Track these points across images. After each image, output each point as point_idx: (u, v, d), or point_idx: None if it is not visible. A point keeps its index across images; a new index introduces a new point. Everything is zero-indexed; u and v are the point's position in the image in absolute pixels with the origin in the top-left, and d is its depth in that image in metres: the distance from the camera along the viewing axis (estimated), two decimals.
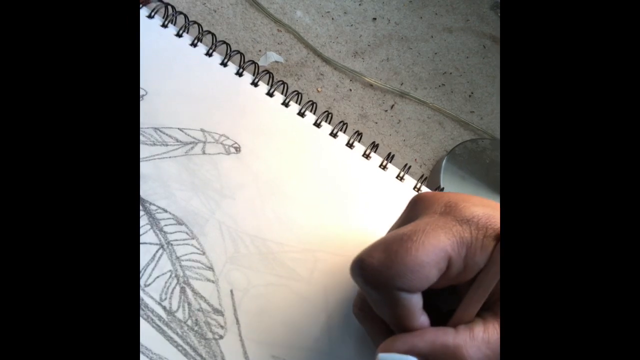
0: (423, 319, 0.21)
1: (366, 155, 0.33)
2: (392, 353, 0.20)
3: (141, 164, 0.30)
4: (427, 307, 0.22)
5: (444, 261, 0.20)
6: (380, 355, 0.21)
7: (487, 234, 0.21)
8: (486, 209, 0.21)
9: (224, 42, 0.36)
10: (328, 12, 0.61)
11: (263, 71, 0.36)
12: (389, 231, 0.26)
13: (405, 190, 0.33)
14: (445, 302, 0.24)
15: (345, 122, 0.35)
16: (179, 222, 0.29)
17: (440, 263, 0.20)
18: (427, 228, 0.21)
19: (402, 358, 0.20)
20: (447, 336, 0.20)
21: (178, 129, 0.32)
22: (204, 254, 0.28)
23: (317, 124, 0.34)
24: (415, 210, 0.23)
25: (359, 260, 0.21)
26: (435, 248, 0.20)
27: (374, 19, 0.62)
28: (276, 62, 0.57)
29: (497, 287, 0.21)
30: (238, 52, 0.36)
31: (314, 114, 0.35)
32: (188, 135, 0.32)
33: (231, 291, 0.27)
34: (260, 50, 0.56)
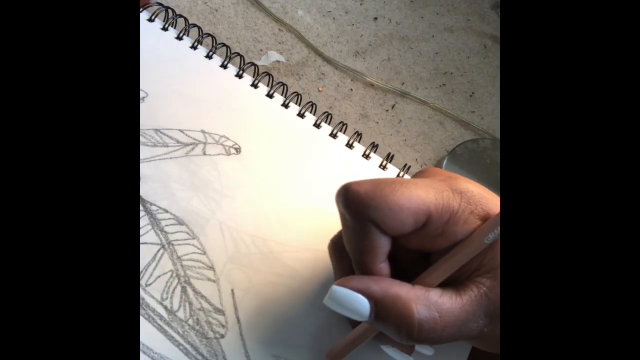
0: (384, 266, 0.22)
1: (366, 156, 0.33)
2: (346, 289, 0.21)
3: (142, 165, 0.30)
4: (395, 269, 0.22)
5: (423, 215, 0.21)
6: (334, 287, 0.21)
7: (474, 210, 0.21)
8: (483, 191, 0.22)
9: (224, 45, 0.36)
10: (329, 11, 0.61)
11: (263, 73, 0.36)
12: None
13: None
14: (414, 269, 0.24)
15: (345, 122, 0.35)
16: (180, 222, 0.29)
17: (418, 215, 0.21)
18: (420, 182, 0.21)
19: (353, 296, 0.21)
20: (402, 288, 0.21)
21: (178, 130, 0.32)
22: (204, 253, 0.28)
23: (317, 125, 0.34)
24: (418, 176, 0.24)
25: (346, 185, 0.22)
26: (419, 199, 0.21)
27: (375, 18, 0.62)
28: (277, 61, 0.57)
29: (466, 267, 0.21)
30: (238, 54, 0.36)
31: (314, 114, 0.35)
32: (188, 136, 0.32)
33: (232, 290, 0.27)
34: (261, 50, 0.56)
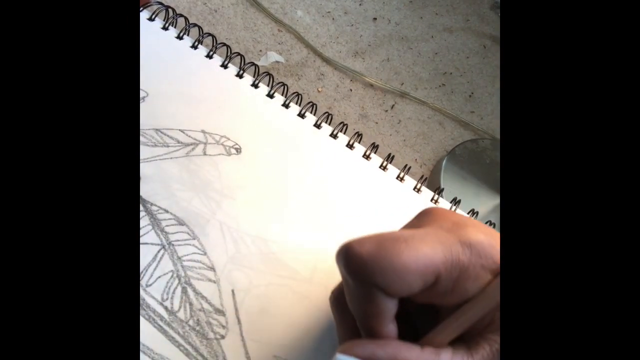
0: (391, 327, 0.21)
1: (366, 156, 0.33)
2: (351, 357, 0.20)
3: (142, 164, 0.30)
4: (401, 320, 0.21)
5: (432, 275, 0.19)
6: (338, 356, 0.20)
7: (485, 264, 0.20)
8: (493, 239, 0.20)
9: (224, 44, 0.36)
10: (329, 12, 0.61)
11: (263, 73, 0.36)
12: None
13: (406, 191, 0.33)
14: (423, 320, 0.23)
15: (345, 122, 0.35)
16: (180, 223, 0.29)
17: (427, 275, 0.19)
18: (426, 237, 0.20)
19: None
20: (410, 352, 0.20)
21: (179, 130, 0.32)
22: (205, 254, 0.28)
23: (318, 125, 0.34)
24: (422, 220, 0.23)
25: (347, 246, 0.20)
26: (427, 259, 0.19)
27: (375, 19, 0.62)
28: (277, 62, 0.57)
29: (478, 322, 0.20)
30: (238, 54, 0.36)
31: (314, 115, 0.35)
32: (189, 136, 0.32)
33: (232, 291, 0.27)
34: (260, 50, 0.56)
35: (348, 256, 0.20)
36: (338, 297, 0.23)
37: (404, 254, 0.19)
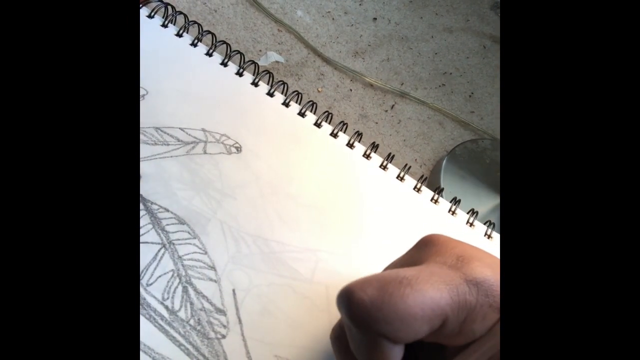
0: None
1: (366, 156, 0.34)
2: None
3: (142, 163, 0.30)
4: (408, 354, 0.21)
5: (439, 319, 0.19)
6: None
7: (493, 303, 0.19)
8: (499, 274, 0.20)
9: (224, 42, 0.36)
10: (328, 12, 0.61)
11: (263, 71, 0.36)
12: (390, 266, 0.25)
13: (406, 191, 0.33)
14: (428, 355, 0.22)
15: (345, 122, 0.35)
16: (181, 222, 0.29)
17: (433, 320, 0.18)
18: (431, 279, 0.19)
19: None
20: None
21: (179, 128, 0.32)
22: (205, 253, 0.28)
23: (318, 124, 0.34)
24: (423, 252, 0.22)
25: (348, 292, 0.19)
26: (433, 303, 0.18)
27: (375, 19, 0.62)
28: (277, 62, 0.57)
29: None
30: (238, 52, 0.36)
31: (314, 114, 0.35)
32: (189, 134, 0.32)
33: (233, 291, 0.27)
34: (260, 50, 0.56)
35: (350, 303, 0.19)
36: (340, 339, 0.22)
37: (410, 299, 0.18)
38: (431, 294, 0.18)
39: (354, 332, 0.20)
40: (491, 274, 0.19)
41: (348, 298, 0.19)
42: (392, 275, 0.19)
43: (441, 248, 0.21)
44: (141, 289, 0.27)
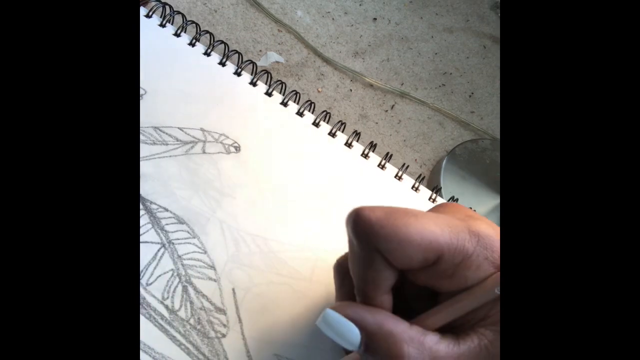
0: (386, 298, 0.21)
1: (365, 155, 0.34)
2: (340, 315, 0.20)
3: (142, 163, 0.30)
4: (399, 303, 0.21)
5: (434, 253, 0.20)
6: (328, 310, 0.21)
7: (490, 257, 0.20)
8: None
9: (222, 42, 0.36)
10: (328, 12, 0.61)
11: (261, 71, 0.36)
12: None
13: (404, 190, 0.33)
14: (420, 306, 0.23)
15: (344, 121, 0.35)
16: (180, 221, 0.29)
17: (429, 252, 0.20)
18: (437, 219, 0.20)
19: (346, 324, 0.20)
20: (397, 326, 0.20)
21: (178, 128, 0.32)
22: (205, 252, 0.28)
23: (316, 124, 0.34)
24: (438, 210, 0.23)
25: (359, 209, 0.21)
26: (432, 236, 0.19)
27: (375, 19, 0.62)
28: (277, 62, 0.57)
29: (471, 314, 0.20)
30: (236, 51, 0.36)
31: (313, 113, 0.35)
32: (188, 134, 0.32)
33: (233, 290, 0.27)
34: (260, 51, 0.56)
35: (357, 218, 0.20)
36: (341, 264, 0.24)
37: (411, 226, 0.19)
38: (432, 228, 0.20)
39: (354, 248, 0.21)
40: (494, 233, 0.20)
41: (357, 214, 0.20)
42: (402, 208, 0.21)
43: (456, 208, 0.23)
44: (141, 289, 0.27)
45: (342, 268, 0.24)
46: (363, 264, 0.21)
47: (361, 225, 0.20)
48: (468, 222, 0.21)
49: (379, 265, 0.20)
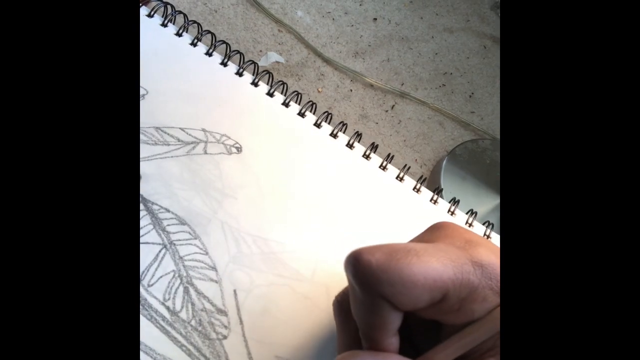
0: (393, 341, 0.20)
1: (366, 156, 0.34)
2: None
3: (143, 163, 0.30)
4: (402, 336, 0.21)
5: (440, 292, 0.19)
6: None
7: (495, 287, 0.20)
8: None
9: (224, 42, 0.36)
10: (329, 12, 0.61)
11: (263, 71, 0.36)
12: None
13: (405, 191, 0.33)
14: (424, 338, 0.23)
15: (345, 122, 0.35)
16: (182, 222, 0.29)
17: (434, 292, 0.19)
18: (438, 254, 0.19)
19: None
20: None
21: (179, 128, 0.32)
22: (206, 253, 0.28)
23: (318, 125, 0.34)
24: (434, 234, 0.22)
25: (357, 253, 0.20)
26: (437, 274, 0.19)
27: (375, 19, 0.62)
28: (277, 62, 0.57)
29: (481, 347, 0.20)
30: (238, 52, 0.36)
31: (314, 114, 0.35)
32: (189, 135, 0.32)
33: (234, 291, 0.27)
34: (261, 51, 0.56)
35: (357, 264, 0.20)
36: (342, 303, 0.23)
37: (414, 266, 0.19)
38: (436, 265, 0.19)
39: (357, 294, 0.20)
40: (496, 260, 0.20)
41: (356, 259, 0.20)
42: (401, 245, 0.20)
43: (451, 232, 0.22)
44: (142, 290, 0.27)
45: (343, 307, 0.23)
46: (367, 309, 0.20)
47: (362, 271, 0.19)
48: (469, 252, 0.20)
49: (384, 311, 0.20)
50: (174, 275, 0.27)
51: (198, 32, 0.36)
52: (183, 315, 0.26)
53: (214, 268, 0.28)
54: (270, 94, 0.35)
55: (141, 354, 0.25)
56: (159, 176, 0.30)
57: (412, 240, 0.24)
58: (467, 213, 0.33)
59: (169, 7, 0.36)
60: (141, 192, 0.29)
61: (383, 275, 0.19)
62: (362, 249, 0.20)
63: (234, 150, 0.32)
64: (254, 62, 0.36)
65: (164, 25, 0.36)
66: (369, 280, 0.19)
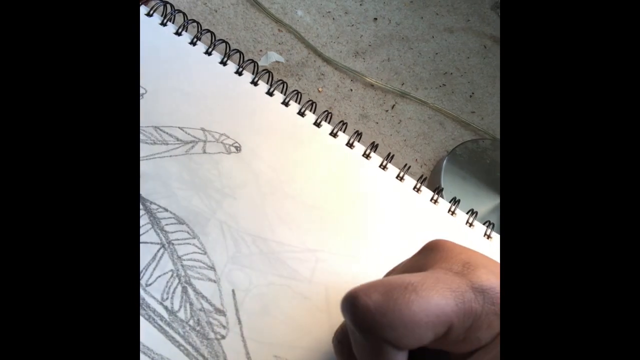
0: None
1: (366, 155, 0.33)
2: None
3: (142, 162, 0.30)
4: (414, 356, 0.20)
5: (444, 326, 0.18)
6: None
7: (498, 311, 0.19)
8: None
9: (223, 41, 0.36)
10: (329, 12, 0.61)
11: (263, 70, 0.36)
12: (392, 271, 0.24)
13: (405, 191, 0.33)
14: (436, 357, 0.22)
15: (345, 122, 0.35)
16: (180, 222, 0.29)
17: (438, 327, 0.18)
18: (437, 285, 0.19)
19: None
20: None
21: (178, 127, 0.32)
22: (205, 253, 0.28)
23: (317, 124, 0.34)
24: (429, 257, 0.22)
25: (353, 296, 0.19)
26: (439, 310, 0.18)
27: (375, 19, 0.62)
28: (277, 62, 0.57)
29: None
30: (237, 51, 0.36)
31: (314, 113, 0.35)
32: (188, 134, 0.32)
33: (233, 291, 0.27)
34: (261, 50, 0.56)
35: (355, 308, 0.19)
36: (342, 341, 0.22)
37: (415, 305, 0.18)
38: (436, 300, 0.18)
39: (357, 337, 0.20)
40: (497, 282, 0.19)
41: (352, 303, 0.19)
42: (397, 280, 0.19)
43: (447, 254, 0.21)
44: (140, 289, 0.26)
45: (343, 346, 0.22)
46: (370, 353, 0.19)
47: (361, 316, 0.19)
48: (468, 277, 0.19)
49: (388, 354, 0.19)
50: (172, 275, 0.27)
51: (197, 31, 0.36)
52: (181, 315, 0.26)
53: (212, 268, 0.28)
54: (269, 93, 0.35)
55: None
56: (157, 175, 0.30)
57: (406, 265, 0.23)
58: (467, 213, 0.33)
59: (168, 6, 0.36)
60: (140, 192, 0.29)
61: (383, 320, 0.18)
62: (357, 290, 0.19)
63: (233, 149, 0.32)
64: (253, 61, 0.36)
65: (163, 24, 0.36)
66: (370, 326, 0.18)
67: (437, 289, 0.18)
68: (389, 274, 0.25)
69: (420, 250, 0.23)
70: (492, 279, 0.19)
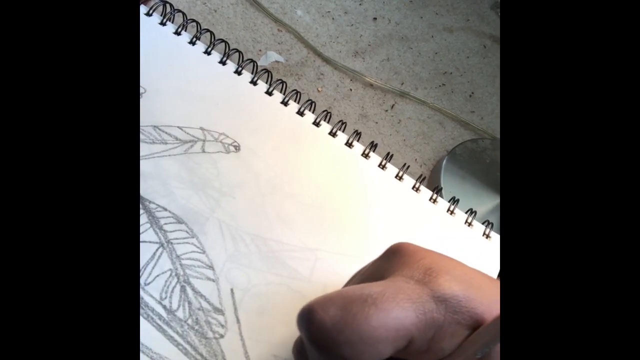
0: None
1: (365, 155, 0.33)
2: None
3: (141, 162, 0.30)
4: None
5: (404, 340, 0.18)
6: None
7: (461, 320, 0.18)
8: (469, 289, 0.19)
9: (223, 41, 0.36)
10: (328, 11, 0.61)
11: (262, 70, 0.36)
12: (356, 274, 0.24)
13: (404, 190, 0.33)
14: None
15: (344, 121, 0.35)
16: (179, 221, 0.29)
17: (398, 341, 0.18)
18: (397, 296, 0.18)
19: None
20: None
21: (177, 127, 0.32)
22: (204, 252, 0.28)
23: (316, 123, 0.34)
24: (391, 262, 0.21)
25: (309, 311, 0.18)
26: (398, 323, 0.17)
27: (375, 18, 0.62)
28: (276, 61, 0.57)
29: None
30: (237, 50, 0.36)
31: (313, 113, 0.35)
32: (187, 133, 0.32)
33: (231, 290, 0.27)
34: (260, 50, 0.56)
35: (310, 324, 0.18)
36: (301, 352, 0.21)
37: (373, 319, 0.17)
38: (396, 313, 0.17)
39: (314, 355, 0.19)
40: (459, 290, 0.18)
41: (308, 319, 0.18)
42: (356, 292, 0.18)
43: (409, 259, 0.20)
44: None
45: (302, 357, 0.21)
46: None
47: (316, 333, 0.18)
48: (429, 286, 0.18)
49: None
50: (170, 274, 0.27)
51: (197, 31, 0.36)
52: (180, 314, 0.26)
53: (211, 267, 0.28)
54: (269, 93, 0.35)
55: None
56: (156, 175, 0.30)
57: (369, 270, 0.23)
58: (466, 212, 0.33)
59: (167, 5, 0.36)
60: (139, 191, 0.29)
61: (340, 337, 0.17)
62: (313, 304, 0.18)
63: (232, 148, 0.32)
64: (252, 61, 0.36)
65: (162, 23, 0.36)
66: (326, 342, 0.18)
67: (397, 301, 0.18)
68: (351, 279, 0.24)
69: (383, 254, 0.22)
70: (454, 287, 0.18)
